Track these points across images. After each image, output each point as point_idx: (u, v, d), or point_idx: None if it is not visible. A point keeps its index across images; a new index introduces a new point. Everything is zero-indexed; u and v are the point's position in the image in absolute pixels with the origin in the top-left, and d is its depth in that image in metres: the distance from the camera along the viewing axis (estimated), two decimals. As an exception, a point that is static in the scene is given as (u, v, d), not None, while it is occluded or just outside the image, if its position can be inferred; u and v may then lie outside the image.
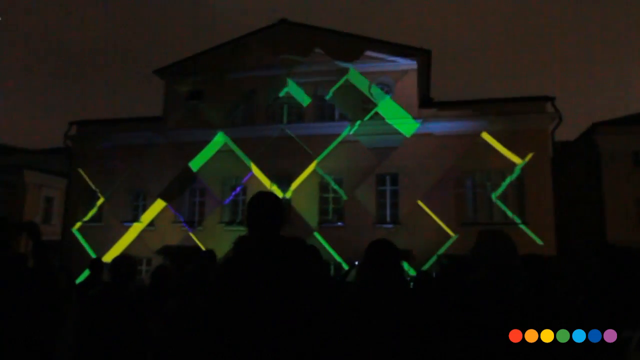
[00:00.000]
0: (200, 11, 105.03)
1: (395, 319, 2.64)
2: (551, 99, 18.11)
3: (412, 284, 7.14)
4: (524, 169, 17.44)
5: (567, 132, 39.98)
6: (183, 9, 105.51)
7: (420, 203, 17.54)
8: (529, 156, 17.23)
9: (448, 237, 17.07)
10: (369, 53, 19.44)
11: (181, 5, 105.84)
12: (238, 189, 19.85)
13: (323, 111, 20.32)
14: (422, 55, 19.60)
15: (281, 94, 20.06)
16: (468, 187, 18.30)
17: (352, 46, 19.57)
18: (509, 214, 17.61)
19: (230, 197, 19.87)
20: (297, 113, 20.45)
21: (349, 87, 19.12)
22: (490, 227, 16.45)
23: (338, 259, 17.09)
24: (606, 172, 21.37)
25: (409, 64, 19.30)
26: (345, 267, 15.85)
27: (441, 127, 18.30)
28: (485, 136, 17.60)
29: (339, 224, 18.68)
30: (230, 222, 19.82)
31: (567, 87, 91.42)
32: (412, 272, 15.06)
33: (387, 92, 19.33)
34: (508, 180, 17.65)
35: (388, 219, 18.69)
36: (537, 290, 2.96)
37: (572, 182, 23.59)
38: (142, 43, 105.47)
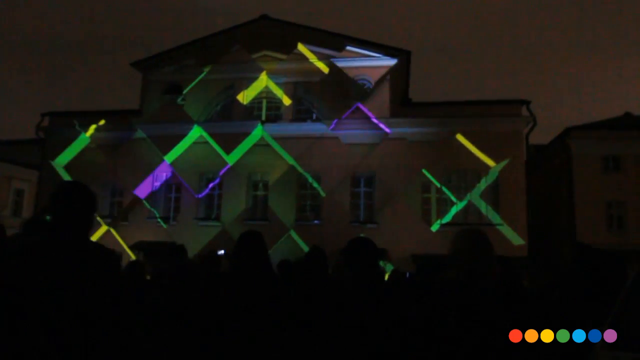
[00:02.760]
0: (181, 4, 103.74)
1: (368, 314, 2.65)
2: (526, 103, 18.40)
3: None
4: (499, 170, 17.68)
5: (541, 136, 40.74)
6: (163, 1, 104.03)
7: (396, 202, 17.66)
8: (506, 160, 17.41)
9: (424, 237, 17.20)
10: (348, 50, 19.49)
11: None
12: (214, 182, 19.64)
13: (301, 110, 20.25)
14: (402, 56, 19.72)
15: (259, 91, 19.97)
16: (444, 188, 18.49)
17: (333, 44, 19.60)
18: (484, 211, 17.84)
19: (206, 191, 19.69)
20: (276, 107, 20.36)
21: (329, 84, 19.14)
22: (466, 227, 16.69)
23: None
24: (578, 175, 21.87)
25: (387, 63, 19.40)
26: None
27: (418, 127, 18.44)
28: (460, 138, 17.80)
29: (316, 222, 18.67)
30: (206, 218, 19.65)
31: (542, 91, 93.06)
32: (389, 268, 15.23)
33: (365, 91, 19.40)
34: (484, 181, 17.88)
35: (362, 218, 18.74)
36: (508, 290, 2.99)
37: (545, 184, 24.08)
38: (120, 35, 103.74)
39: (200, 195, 19.56)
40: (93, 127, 20.70)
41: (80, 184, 2.36)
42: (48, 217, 2.27)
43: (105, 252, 2.26)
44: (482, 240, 2.65)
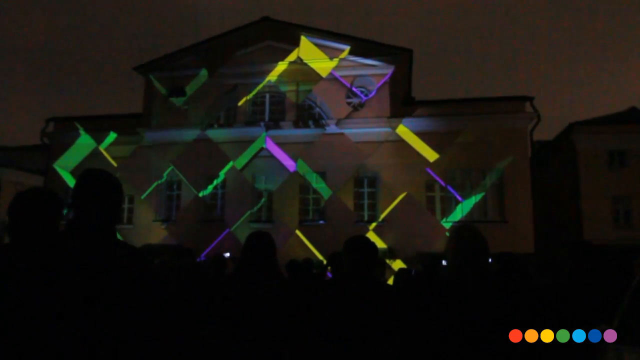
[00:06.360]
0: (183, 8, 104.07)
1: (367, 312, 2.66)
2: (530, 99, 18.31)
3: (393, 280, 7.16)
4: (504, 168, 17.61)
5: (546, 132, 40.62)
6: (165, 6, 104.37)
7: (400, 201, 17.62)
8: (511, 157, 17.32)
9: (430, 235, 17.15)
10: (349, 60, 19.47)
11: (164, 2, 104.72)
12: (217, 181, 19.65)
13: (304, 113, 20.15)
14: (404, 55, 19.67)
15: (263, 85, 20.00)
16: (448, 186, 18.43)
17: (336, 44, 19.60)
18: (490, 209, 17.78)
19: (209, 190, 19.72)
20: (279, 102, 20.33)
21: (331, 86, 19.14)
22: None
23: (320, 256, 17.10)
24: (583, 171, 21.81)
25: (390, 64, 19.35)
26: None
27: (421, 125, 18.39)
28: (465, 135, 17.73)
29: (321, 222, 18.66)
30: (210, 220, 19.64)
31: (546, 87, 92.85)
32: (396, 266, 15.19)
33: (369, 91, 19.39)
34: (488, 179, 17.83)
35: (366, 217, 18.72)
36: (508, 287, 2.98)
37: (550, 180, 24.01)
38: (123, 39, 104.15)
39: (203, 195, 19.54)
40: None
41: (104, 171, 2.07)
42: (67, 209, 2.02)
43: (132, 250, 2.04)
44: (469, 235, 2.61)
